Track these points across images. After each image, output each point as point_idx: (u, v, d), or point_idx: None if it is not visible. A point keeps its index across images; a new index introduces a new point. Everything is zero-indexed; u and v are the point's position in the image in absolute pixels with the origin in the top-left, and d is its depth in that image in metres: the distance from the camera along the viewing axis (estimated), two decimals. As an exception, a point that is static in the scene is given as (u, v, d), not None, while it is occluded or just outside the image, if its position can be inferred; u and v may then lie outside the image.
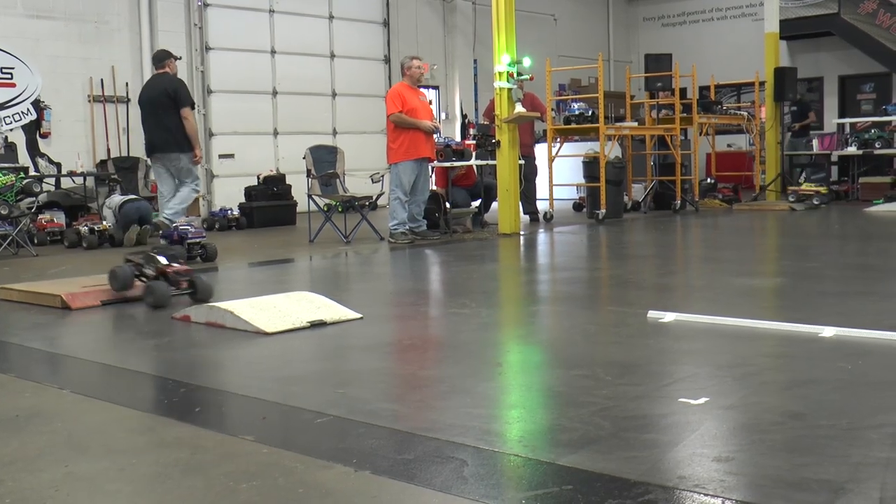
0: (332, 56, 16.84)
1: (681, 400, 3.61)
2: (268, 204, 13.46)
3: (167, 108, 9.30)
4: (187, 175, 9.40)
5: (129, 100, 13.76)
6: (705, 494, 2.64)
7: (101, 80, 13.57)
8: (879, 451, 2.97)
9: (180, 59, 11.41)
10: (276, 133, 15.91)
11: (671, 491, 2.65)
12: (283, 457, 3.07)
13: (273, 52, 15.90)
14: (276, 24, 15.92)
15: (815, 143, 17.85)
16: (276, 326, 5.19)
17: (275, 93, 15.95)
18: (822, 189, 14.65)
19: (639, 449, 3.04)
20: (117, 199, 11.44)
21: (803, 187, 14.75)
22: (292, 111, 16.08)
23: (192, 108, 9.69)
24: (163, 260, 6.51)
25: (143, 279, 6.49)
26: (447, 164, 11.10)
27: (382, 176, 10.92)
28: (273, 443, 3.23)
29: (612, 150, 13.87)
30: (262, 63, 15.75)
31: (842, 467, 2.82)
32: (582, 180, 13.72)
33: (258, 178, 13.91)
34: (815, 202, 14.33)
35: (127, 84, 13.78)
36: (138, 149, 13.53)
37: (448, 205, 11.12)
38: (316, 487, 2.79)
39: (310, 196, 10.88)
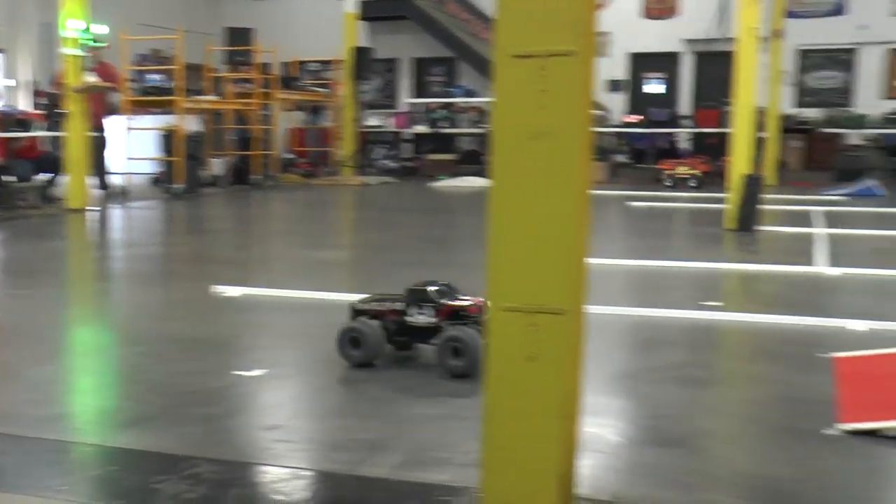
0: None
1: (236, 373, 3.68)
2: None
3: None
4: None
5: None
6: (255, 463, 2.72)
7: None
8: (420, 409, 3.23)
9: None
10: None
11: (222, 463, 2.69)
12: None
13: None
14: None
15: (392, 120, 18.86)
16: None
17: None
18: (697, 172, 13.91)
19: (192, 424, 3.06)
20: None
21: (679, 171, 14.02)
22: None
23: None
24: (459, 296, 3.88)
25: (398, 334, 3.94)
26: (7, 135, 10.34)
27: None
28: None
29: (192, 124, 13.66)
30: None
31: (384, 426, 3.03)
32: (160, 154, 13.37)
33: None
34: (692, 185, 13.74)
35: None
36: None
37: (9, 178, 10.36)
38: None
39: None
